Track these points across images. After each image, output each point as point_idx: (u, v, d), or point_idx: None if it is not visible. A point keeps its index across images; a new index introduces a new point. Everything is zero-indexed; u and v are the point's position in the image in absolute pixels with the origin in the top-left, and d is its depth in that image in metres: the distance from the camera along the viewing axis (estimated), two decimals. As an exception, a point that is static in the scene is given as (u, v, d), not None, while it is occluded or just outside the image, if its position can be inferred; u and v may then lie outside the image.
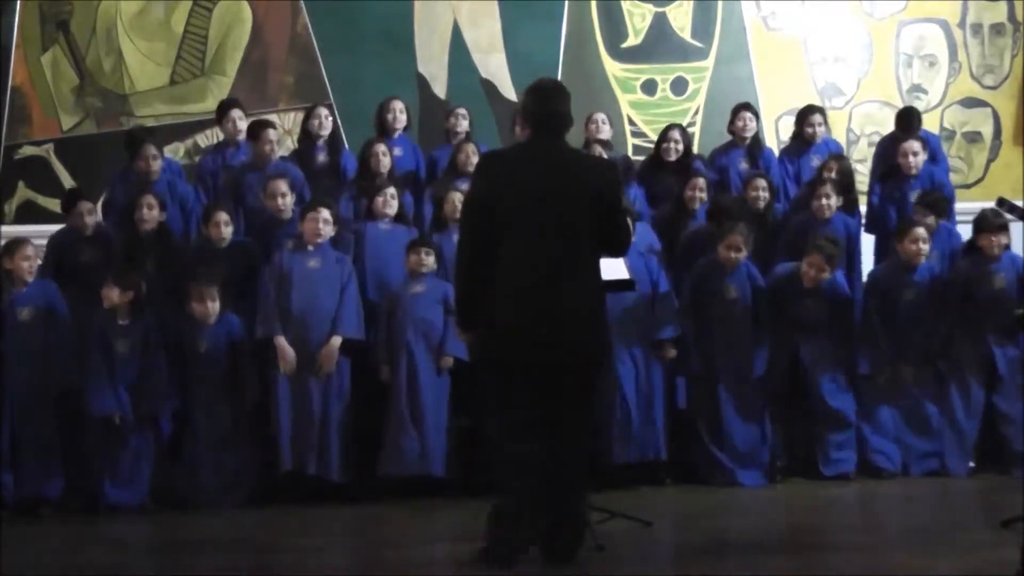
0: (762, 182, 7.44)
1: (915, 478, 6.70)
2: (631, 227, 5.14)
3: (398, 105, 7.77)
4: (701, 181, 7.37)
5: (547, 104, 4.69)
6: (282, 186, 6.93)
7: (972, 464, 6.85)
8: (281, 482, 6.51)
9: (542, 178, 4.57)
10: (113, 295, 6.45)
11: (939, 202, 7.33)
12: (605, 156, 7.48)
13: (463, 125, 7.91)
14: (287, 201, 6.92)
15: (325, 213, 6.60)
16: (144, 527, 6.08)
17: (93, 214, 7.07)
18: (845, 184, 7.39)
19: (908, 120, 7.97)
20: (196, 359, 6.52)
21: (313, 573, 4.91)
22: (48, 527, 6.14)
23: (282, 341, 6.48)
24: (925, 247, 6.89)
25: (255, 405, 6.53)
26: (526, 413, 4.59)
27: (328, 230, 6.62)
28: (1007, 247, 7.05)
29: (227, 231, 6.80)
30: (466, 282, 4.65)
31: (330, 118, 7.71)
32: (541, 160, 4.64)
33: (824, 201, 7.13)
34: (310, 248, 6.61)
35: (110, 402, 6.33)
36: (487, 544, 4.63)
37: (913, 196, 7.47)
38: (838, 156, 7.79)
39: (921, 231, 6.90)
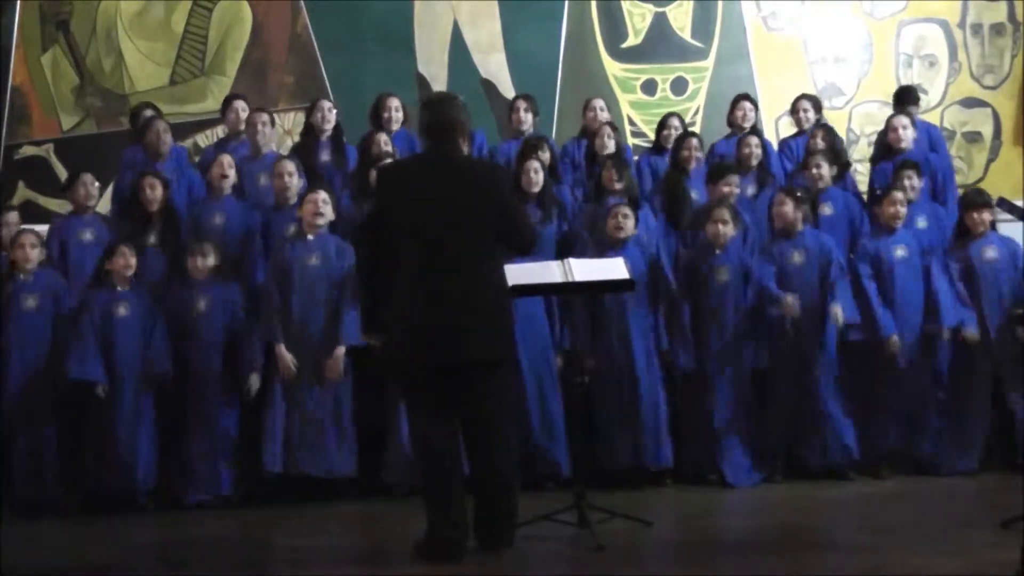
0: (754, 139, 7.54)
1: (915, 478, 6.69)
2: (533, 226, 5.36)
3: (393, 103, 7.61)
4: (694, 140, 7.48)
5: (438, 114, 4.93)
6: (289, 165, 6.96)
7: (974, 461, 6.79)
8: (279, 482, 6.52)
9: (436, 185, 4.80)
10: (120, 263, 6.44)
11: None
12: (614, 139, 7.56)
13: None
14: (294, 181, 6.90)
15: (323, 195, 6.56)
16: (144, 527, 6.08)
17: (95, 186, 7.09)
18: (835, 151, 7.48)
19: (902, 96, 8.09)
20: (195, 320, 6.49)
21: (313, 573, 4.91)
22: (48, 527, 6.14)
23: (282, 350, 6.47)
24: (903, 209, 6.89)
25: (255, 372, 6.49)
26: (432, 411, 4.81)
27: (328, 211, 6.56)
28: (992, 225, 7.04)
29: (231, 172, 6.94)
30: (368, 288, 4.94)
31: (333, 111, 7.62)
32: (435, 168, 4.87)
33: (815, 171, 7.14)
34: (310, 238, 6.57)
35: (92, 369, 6.31)
36: (424, 538, 4.81)
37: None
38: (824, 127, 7.86)
39: (899, 195, 6.92)
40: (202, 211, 7.03)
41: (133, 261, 6.46)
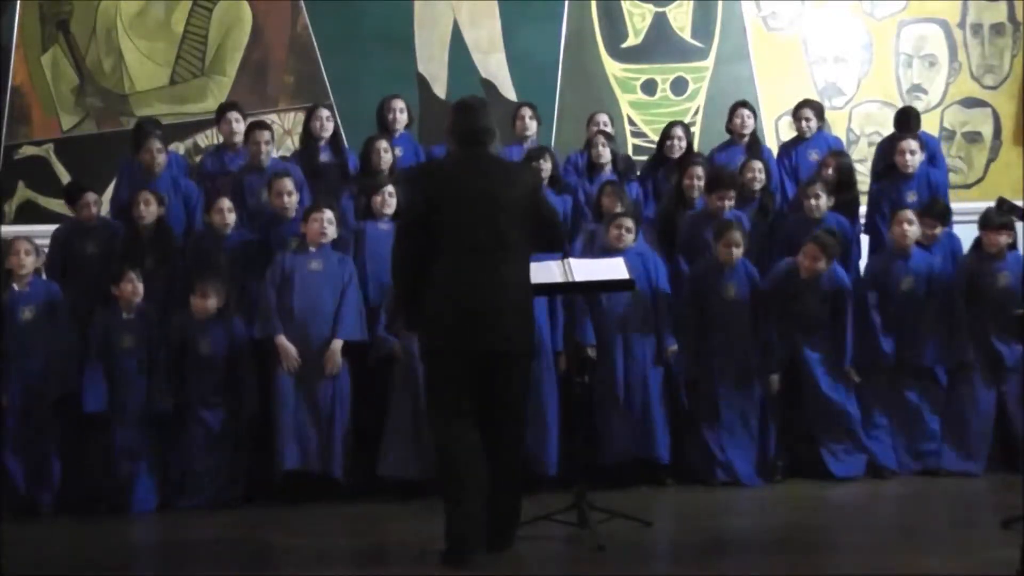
0: (757, 164, 7.48)
1: (915, 478, 6.69)
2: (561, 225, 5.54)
3: (398, 104, 7.71)
4: (699, 170, 7.35)
5: (471, 121, 5.03)
6: (288, 184, 6.96)
7: (981, 465, 6.78)
8: (281, 482, 6.51)
9: (473, 184, 4.91)
10: (128, 289, 6.47)
11: (943, 211, 7.25)
12: (610, 151, 7.59)
13: None
14: (292, 200, 6.94)
15: (329, 214, 6.64)
16: (144, 527, 6.08)
17: (98, 204, 7.13)
18: (844, 182, 7.41)
19: (906, 119, 7.95)
20: (196, 359, 6.52)
21: (313, 573, 4.91)
22: (48, 527, 6.14)
23: (283, 340, 6.50)
24: (911, 228, 6.90)
25: (252, 414, 6.54)
26: (459, 410, 4.83)
27: (332, 231, 6.65)
28: (1012, 246, 7.03)
29: (231, 217, 6.90)
30: (405, 283, 5.01)
31: (331, 119, 7.68)
32: (471, 169, 4.97)
33: (814, 201, 7.09)
34: (312, 249, 6.65)
35: (98, 399, 6.36)
36: (446, 545, 4.77)
37: (908, 196, 7.41)
38: (837, 153, 7.78)
39: (908, 213, 6.95)
40: (204, 245, 6.98)
41: (140, 288, 6.52)
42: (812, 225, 7.02)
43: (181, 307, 6.66)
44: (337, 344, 6.52)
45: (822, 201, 7.10)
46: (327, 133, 7.62)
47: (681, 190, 7.34)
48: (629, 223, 6.70)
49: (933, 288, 6.94)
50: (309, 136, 7.67)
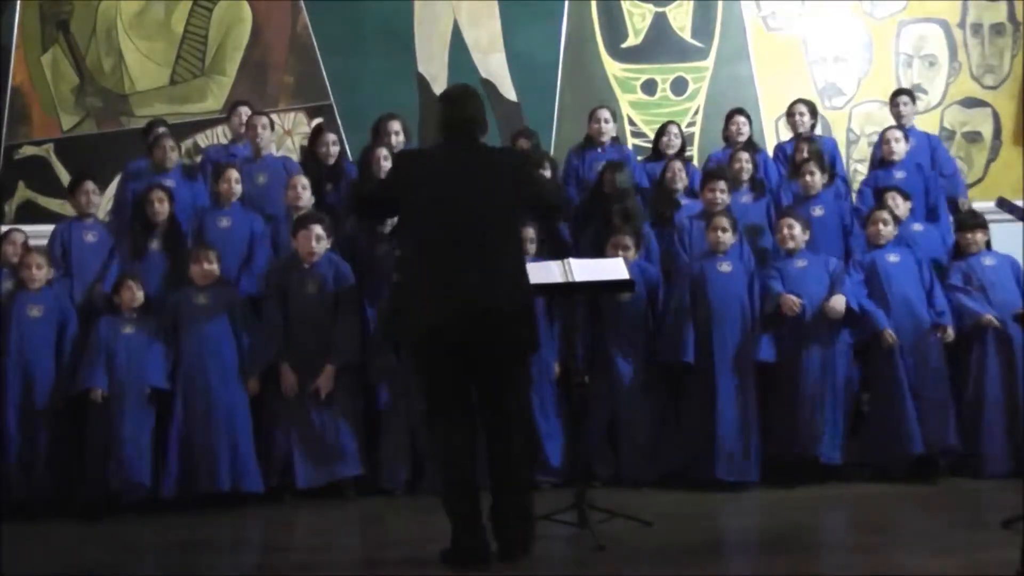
0: (744, 154, 7.61)
1: (914, 478, 6.68)
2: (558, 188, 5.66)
3: (394, 127, 7.55)
4: (677, 164, 7.55)
5: (456, 111, 4.84)
6: (303, 180, 7.05)
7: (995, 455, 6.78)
8: (282, 482, 6.52)
9: (460, 174, 4.71)
10: (127, 296, 6.52)
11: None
12: (618, 181, 7.47)
13: None
14: (307, 194, 6.99)
15: (318, 229, 6.62)
16: (144, 527, 6.08)
17: (97, 194, 7.20)
18: (821, 162, 7.56)
19: (896, 94, 8.16)
20: (197, 324, 6.53)
21: (315, 572, 4.91)
22: (48, 527, 6.14)
23: (285, 368, 6.54)
24: (886, 229, 6.99)
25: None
26: (454, 410, 4.70)
27: (322, 246, 6.64)
28: (987, 244, 7.19)
29: (237, 188, 7.03)
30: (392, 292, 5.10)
31: (337, 145, 7.59)
32: (457, 158, 4.77)
33: (809, 178, 7.30)
34: (306, 266, 6.63)
35: (98, 378, 6.37)
36: (451, 545, 4.70)
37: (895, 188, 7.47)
38: (807, 138, 7.94)
39: (884, 214, 7.04)
40: (207, 216, 7.09)
41: (140, 294, 6.56)
42: (808, 202, 7.22)
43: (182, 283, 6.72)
44: (330, 370, 6.53)
45: (817, 178, 7.32)
46: (331, 160, 7.53)
47: (663, 182, 7.52)
48: (627, 242, 6.73)
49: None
50: (313, 158, 7.58)
